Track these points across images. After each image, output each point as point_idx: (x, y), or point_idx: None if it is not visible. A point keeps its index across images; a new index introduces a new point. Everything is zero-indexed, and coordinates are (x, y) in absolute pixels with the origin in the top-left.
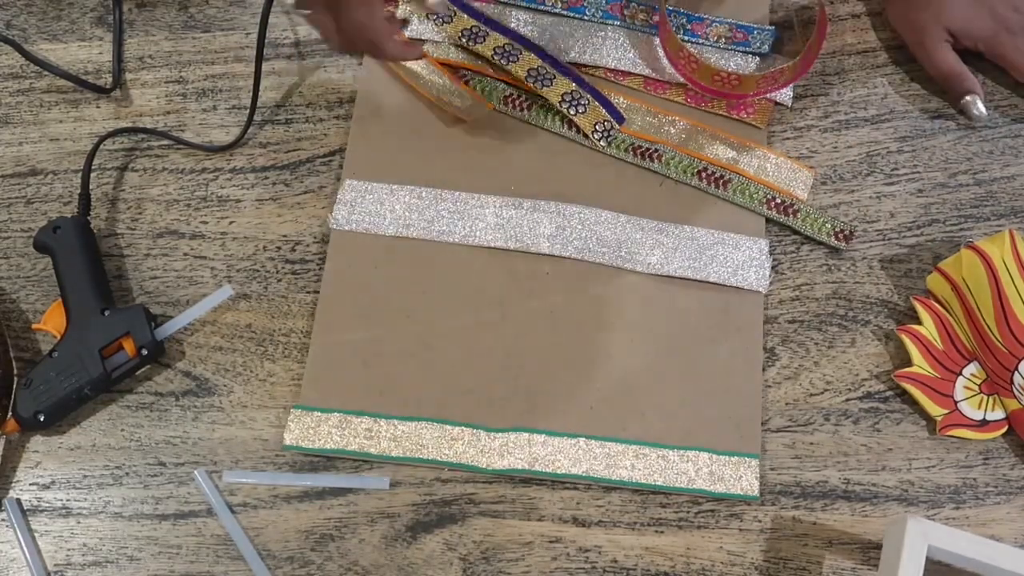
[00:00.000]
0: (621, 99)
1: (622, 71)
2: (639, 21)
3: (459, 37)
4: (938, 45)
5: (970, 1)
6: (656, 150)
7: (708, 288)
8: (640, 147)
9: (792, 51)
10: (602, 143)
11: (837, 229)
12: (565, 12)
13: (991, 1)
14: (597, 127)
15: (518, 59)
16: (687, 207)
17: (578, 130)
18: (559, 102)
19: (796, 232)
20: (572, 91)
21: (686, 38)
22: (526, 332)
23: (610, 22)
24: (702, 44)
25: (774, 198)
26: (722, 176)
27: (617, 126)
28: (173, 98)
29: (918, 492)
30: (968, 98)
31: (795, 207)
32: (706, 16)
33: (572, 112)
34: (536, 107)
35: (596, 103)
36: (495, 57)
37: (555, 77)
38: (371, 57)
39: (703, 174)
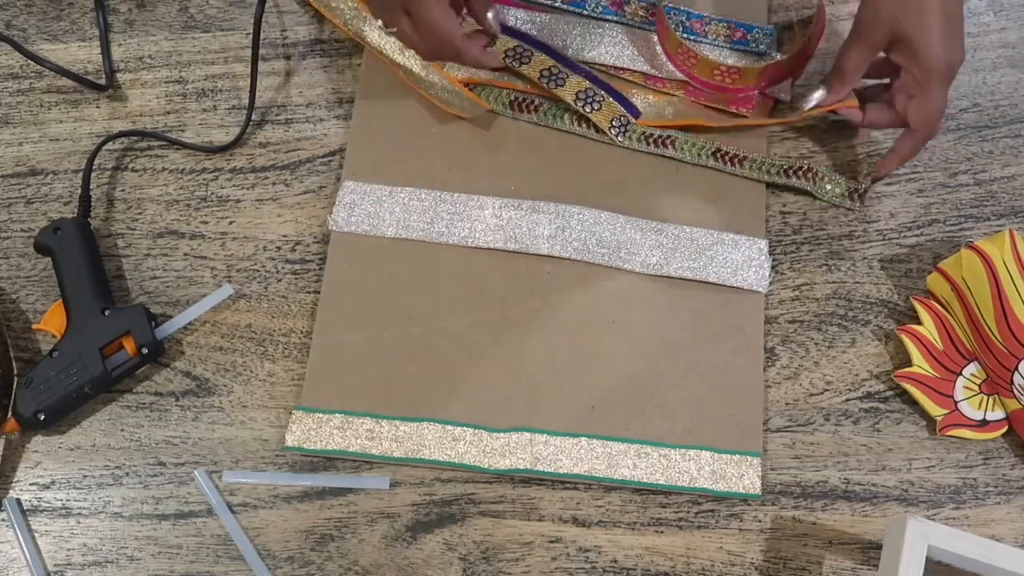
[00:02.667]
0: (625, 93)
1: (621, 68)
2: (638, 17)
3: None
4: (864, 46)
5: (943, 46)
6: (668, 136)
7: (708, 288)
8: (653, 135)
9: (792, 50)
10: (620, 138)
11: (851, 189)
12: (565, 7)
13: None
14: (614, 123)
15: (530, 61)
16: (688, 206)
17: (593, 127)
18: (574, 100)
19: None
20: (586, 88)
21: (685, 35)
22: (527, 332)
23: (609, 17)
24: (701, 42)
25: (791, 166)
26: (737, 154)
27: (633, 120)
28: (173, 98)
29: (918, 492)
30: (819, 87)
31: (813, 170)
32: (705, 14)
33: (588, 110)
34: (545, 107)
35: (611, 99)
36: (506, 59)
37: (568, 76)
38: (453, 62)
39: (718, 154)
